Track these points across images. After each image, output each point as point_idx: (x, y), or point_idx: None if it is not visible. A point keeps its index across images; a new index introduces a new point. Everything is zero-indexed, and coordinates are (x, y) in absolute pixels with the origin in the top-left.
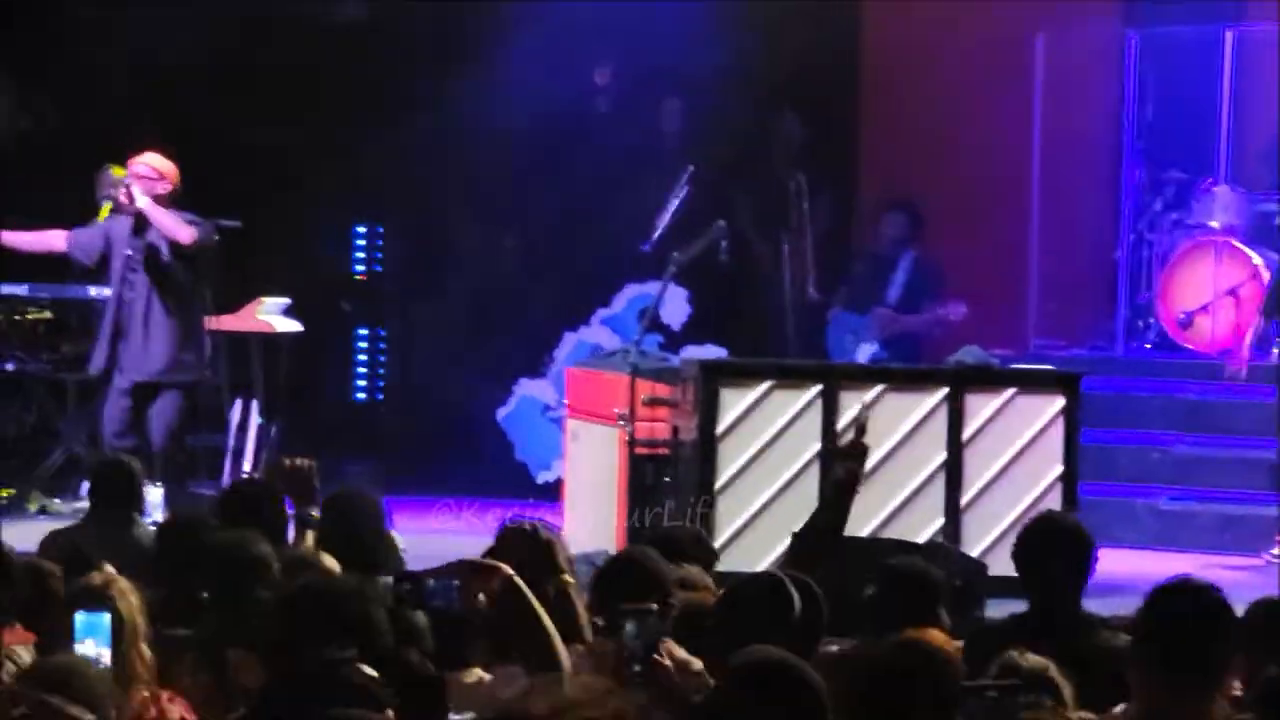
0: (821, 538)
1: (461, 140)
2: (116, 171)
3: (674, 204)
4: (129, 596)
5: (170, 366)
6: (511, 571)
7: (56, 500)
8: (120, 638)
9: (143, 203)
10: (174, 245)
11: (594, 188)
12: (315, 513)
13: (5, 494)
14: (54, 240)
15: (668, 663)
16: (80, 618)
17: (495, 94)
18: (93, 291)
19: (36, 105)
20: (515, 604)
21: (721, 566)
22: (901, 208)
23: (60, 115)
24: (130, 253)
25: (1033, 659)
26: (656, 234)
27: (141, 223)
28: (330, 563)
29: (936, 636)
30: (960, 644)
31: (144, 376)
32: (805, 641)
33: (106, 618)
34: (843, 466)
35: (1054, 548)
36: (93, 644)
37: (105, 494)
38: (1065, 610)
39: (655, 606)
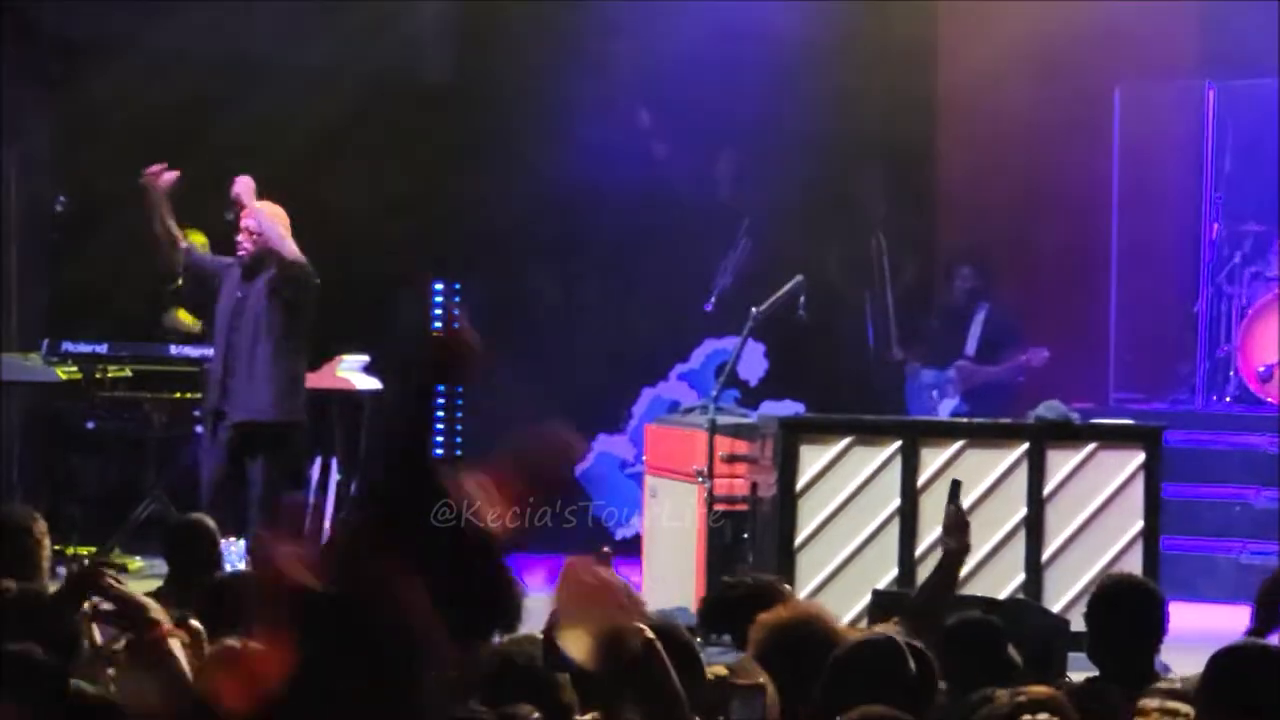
0: (933, 612)
1: (541, 198)
2: (192, 235)
3: (731, 259)
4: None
5: (276, 409)
6: (652, 634)
7: (138, 559)
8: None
9: (251, 203)
10: (276, 294)
11: (672, 244)
12: None
13: (85, 552)
14: (179, 235)
15: None
16: None
17: (574, 152)
18: (173, 350)
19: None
20: (652, 667)
21: None
22: (972, 260)
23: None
24: (240, 295)
25: None
26: (715, 291)
27: (253, 269)
28: None
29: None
30: None
31: (250, 415)
32: (918, 704)
33: None
34: (951, 539)
35: (1123, 609)
36: None
37: (183, 556)
38: (1136, 673)
39: (763, 682)
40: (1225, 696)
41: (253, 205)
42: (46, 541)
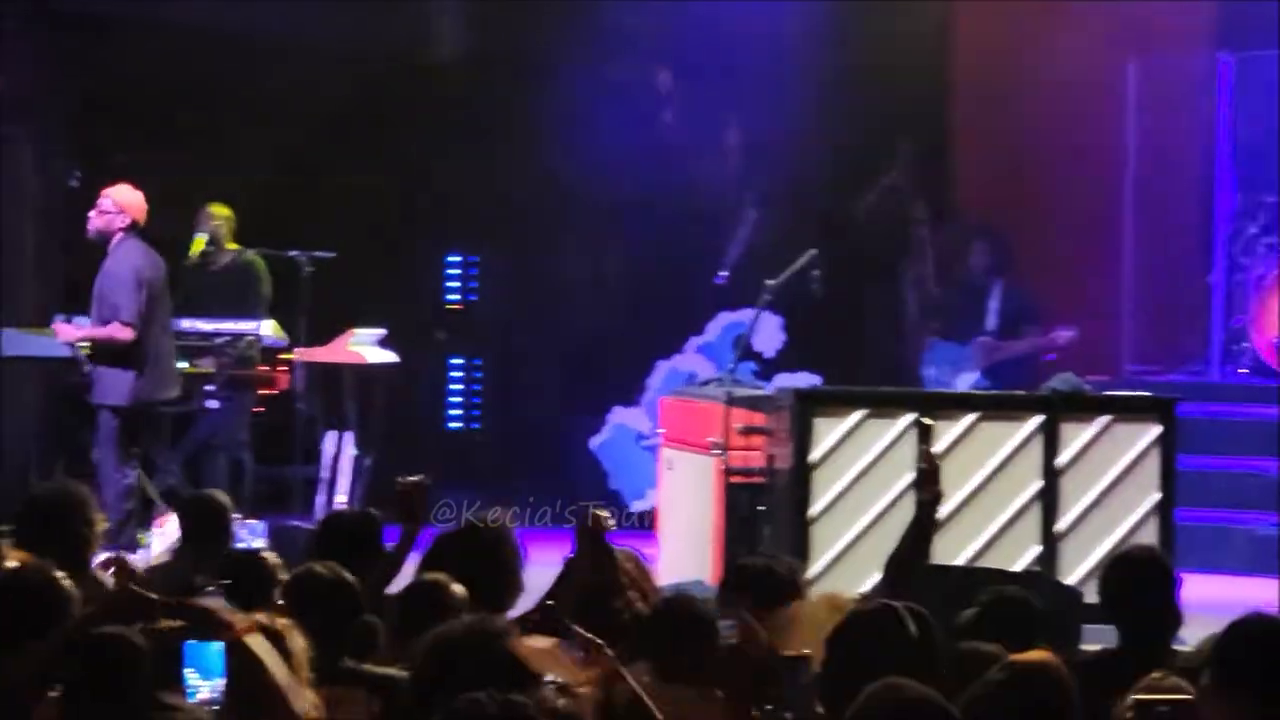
0: (909, 566)
1: (556, 170)
2: (215, 209)
3: (742, 232)
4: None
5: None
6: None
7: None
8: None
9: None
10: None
11: (687, 217)
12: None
13: (102, 524)
14: None
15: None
16: (190, 647)
17: (588, 125)
18: (184, 324)
19: (132, 141)
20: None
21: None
22: (987, 236)
23: (156, 150)
24: None
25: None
26: (726, 264)
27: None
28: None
29: (1044, 654)
30: None
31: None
32: (923, 672)
33: (215, 647)
34: (922, 491)
35: (1135, 583)
36: (196, 674)
37: (198, 529)
38: (1152, 645)
39: (808, 653)
40: (1237, 668)
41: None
42: (100, 524)
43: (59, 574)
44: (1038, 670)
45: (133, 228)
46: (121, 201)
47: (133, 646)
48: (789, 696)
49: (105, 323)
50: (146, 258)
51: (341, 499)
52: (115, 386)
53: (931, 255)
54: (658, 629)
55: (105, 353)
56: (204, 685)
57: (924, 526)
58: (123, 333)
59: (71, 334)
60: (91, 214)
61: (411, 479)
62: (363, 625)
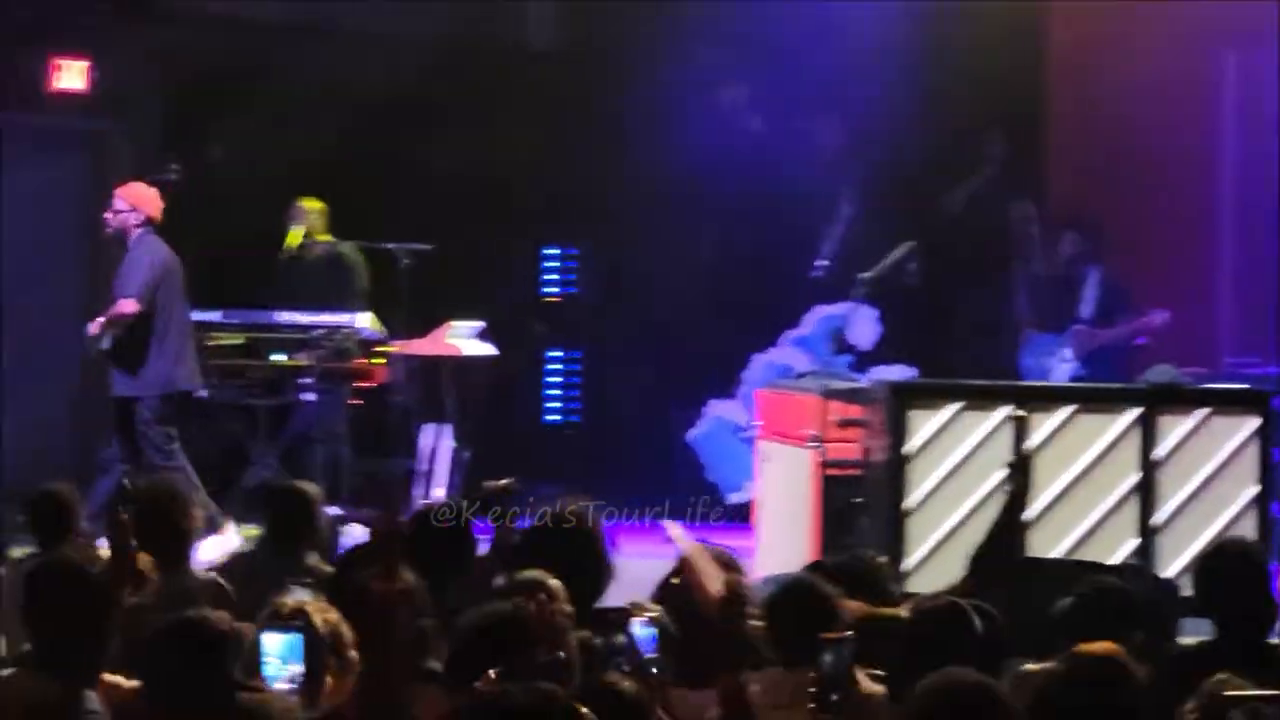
0: (998, 559)
1: (654, 164)
2: (308, 202)
3: (837, 225)
4: (323, 615)
5: None
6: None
7: (247, 525)
8: (317, 658)
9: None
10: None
11: (783, 210)
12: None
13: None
14: None
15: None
16: (267, 637)
17: (684, 118)
18: (282, 317)
19: (227, 134)
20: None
21: (911, 588)
22: (1081, 226)
23: (250, 143)
24: None
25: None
26: (822, 257)
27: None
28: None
29: (1109, 648)
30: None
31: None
32: (988, 665)
33: (295, 639)
34: (1009, 483)
35: (1230, 576)
36: (277, 664)
37: (279, 520)
38: (1247, 639)
39: (851, 634)
40: None
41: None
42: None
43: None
44: (1101, 662)
45: (148, 223)
46: (134, 199)
47: (218, 630)
48: (831, 675)
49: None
50: (163, 252)
51: (439, 492)
52: (143, 378)
53: (1041, 251)
54: (782, 614)
55: (128, 346)
56: (283, 672)
57: (1010, 520)
58: (128, 305)
59: (94, 327)
60: (107, 214)
61: (499, 482)
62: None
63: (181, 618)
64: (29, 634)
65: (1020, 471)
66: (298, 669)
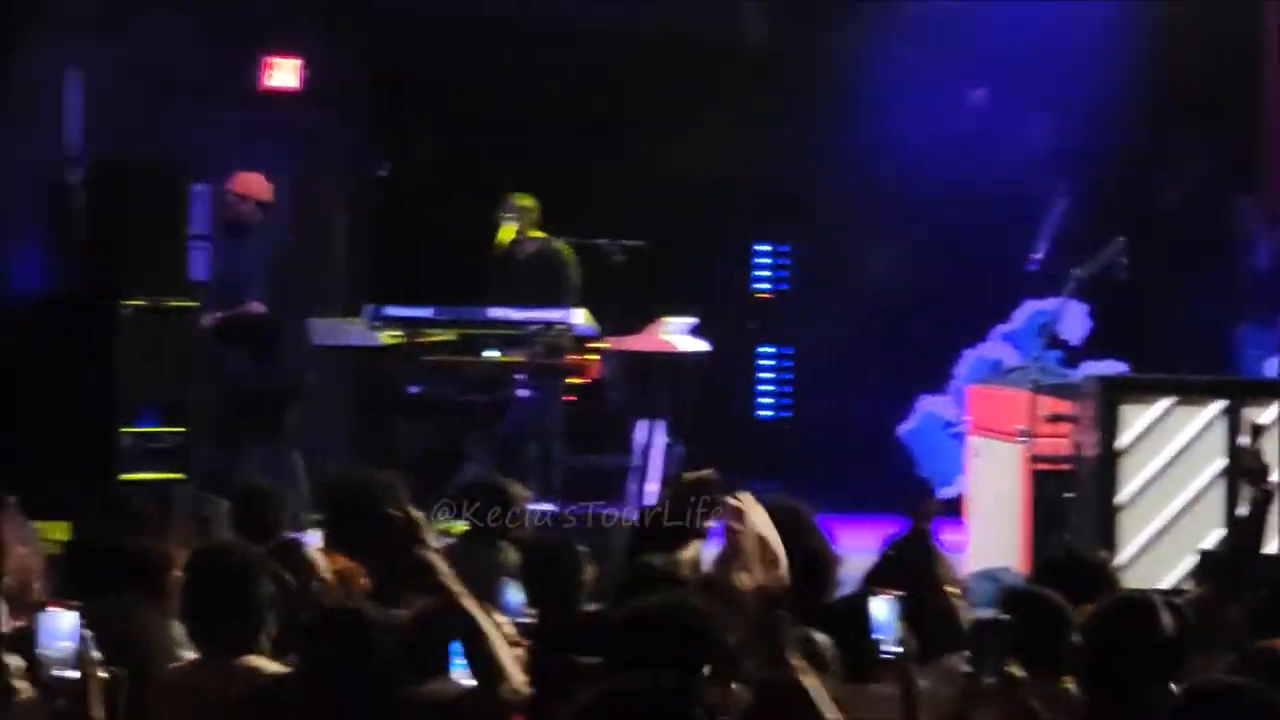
0: (1241, 560)
1: (864, 159)
2: (520, 198)
3: (1050, 219)
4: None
5: None
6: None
7: (461, 522)
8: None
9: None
10: None
11: (993, 205)
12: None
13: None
14: None
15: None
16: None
17: (896, 113)
18: (493, 313)
19: (439, 130)
20: None
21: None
22: None
23: (462, 139)
24: None
25: None
26: (1036, 251)
27: None
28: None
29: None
30: None
31: None
32: (1171, 665)
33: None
34: (1252, 487)
35: None
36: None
37: (480, 516)
38: None
39: (1009, 618)
40: None
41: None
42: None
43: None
44: (1273, 655)
45: (262, 209)
46: (245, 190)
47: (365, 623)
48: (982, 660)
49: (240, 303)
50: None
51: (653, 488)
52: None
53: (1256, 245)
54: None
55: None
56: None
57: (1255, 524)
58: (258, 308)
59: (211, 319)
60: (223, 210)
61: (698, 473)
62: None
63: (337, 609)
64: (185, 617)
65: (1256, 474)
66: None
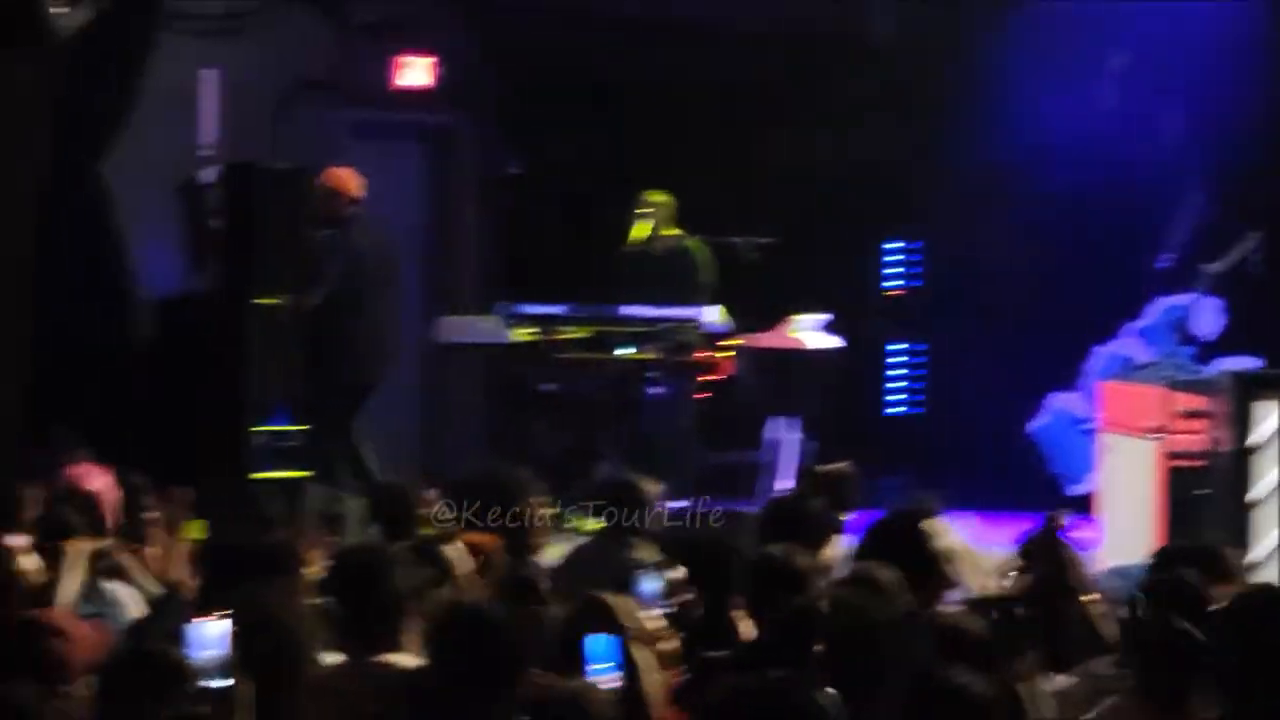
0: None
1: (995, 155)
2: (653, 195)
3: (1184, 216)
4: (630, 618)
5: None
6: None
7: (591, 520)
8: (631, 660)
9: None
10: None
11: (1124, 201)
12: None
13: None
14: None
15: None
16: (590, 641)
17: (1027, 109)
18: (626, 310)
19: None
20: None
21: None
22: None
23: (592, 137)
24: None
25: None
26: (1169, 248)
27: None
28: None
29: None
30: None
31: None
32: None
33: (614, 640)
34: None
35: None
36: (599, 667)
37: (614, 514)
38: None
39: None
40: None
41: None
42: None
43: None
44: None
45: (355, 204)
46: (336, 185)
47: (490, 621)
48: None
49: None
50: (360, 239)
51: (784, 484)
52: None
53: None
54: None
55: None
56: (603, 676)
57: None
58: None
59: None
60: (315, 205)
61: (834, 466)
62: None
63: (462, 606)
64: (328, 616)
65: None
66: (616, 672)
